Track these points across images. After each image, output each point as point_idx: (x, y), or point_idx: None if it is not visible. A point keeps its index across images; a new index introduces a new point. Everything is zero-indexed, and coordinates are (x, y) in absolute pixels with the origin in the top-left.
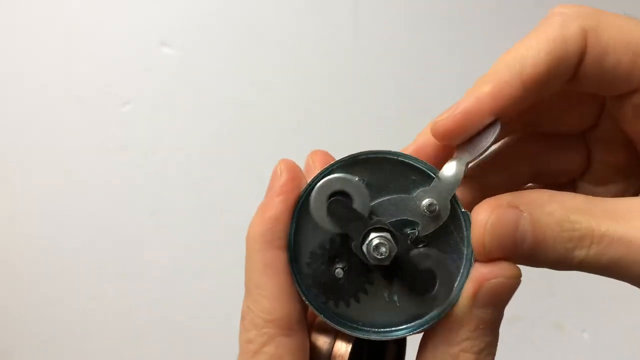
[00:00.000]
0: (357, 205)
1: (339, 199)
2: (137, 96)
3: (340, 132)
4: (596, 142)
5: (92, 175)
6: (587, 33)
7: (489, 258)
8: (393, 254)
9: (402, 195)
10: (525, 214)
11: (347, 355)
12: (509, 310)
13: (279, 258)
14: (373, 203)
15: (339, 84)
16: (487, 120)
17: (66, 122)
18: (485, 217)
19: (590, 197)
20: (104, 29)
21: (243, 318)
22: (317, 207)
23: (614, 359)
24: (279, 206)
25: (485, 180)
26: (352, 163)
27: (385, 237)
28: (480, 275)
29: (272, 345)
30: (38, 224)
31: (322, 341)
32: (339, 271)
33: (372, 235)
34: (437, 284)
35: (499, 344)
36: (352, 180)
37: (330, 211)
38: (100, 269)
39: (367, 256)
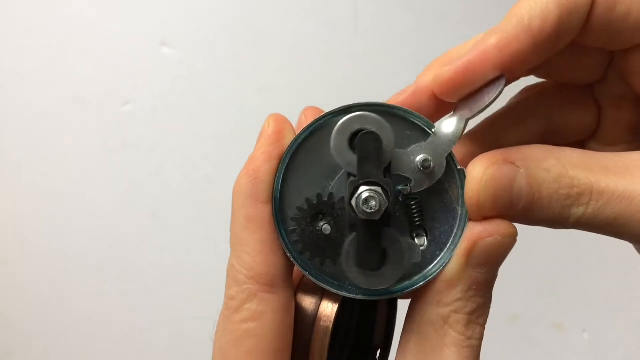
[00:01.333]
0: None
1: (376, 134)
2: (137, 96)
3: None
4: (605, 98)
5: (92, 175)
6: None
7: (483, 216)
8: (383, 208)
9: (396, 150)
10: (521, 170)
11: (333, 316)
12: (509, 309)
13: (263, 212)
14: None
15: (340, 84)
16: (492, 75)
17: (66, 122)
18: (480, 174)
19: (590, 152)
20: (104, 29)
21: (227, 276)
22: (342, 132)
23: (614, 359)
24: (262, 159)
25: (495, 138)
26: (345, 113)
27: (375, 191)
28: (474, 233)
29: (254, 302)
30: (38, 224)
31: (308, 302)
32: (326, 227)
33: (362, 188)
34: (427, 241)
35: (498, 343)
36: (382, 122)
37: (361, 143)
38: (100, 268)
39: (356, 210)
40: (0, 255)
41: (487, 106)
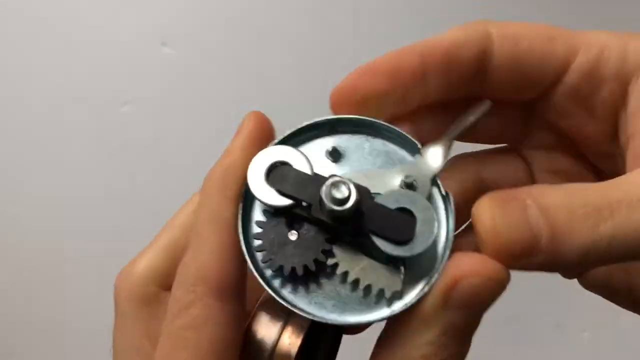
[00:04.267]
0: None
1: (281, 167)
2: (137, 96)
3: None
4: (533, 153)
5: (91, 174)
6: (489, 26)
7: (507, 263)
8: (354, 200)
9: (377, 168)
10: (529, 202)
11: (295, 349)
12: (508, 309)
13: (228, 210)
14: (343, 173)
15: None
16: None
17: (66, 122)
18: (490, 215)
19: (581, 183)
20: (104, 29)
21: (177, 274)
22: (258, 183)
23: (614, 359)
24: (238, 153)
25: None
26: (329, 128)
27: (345, 183)
28: (457, 269)
29: (198, 306)
30: (38, 224)
31: (265, 327)
32: (292, 232)
33: (331, 180)
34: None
35: (498, 343)
36: (287, 149)
37: (273, 180)
38: (101, 269)
39: (325, 202)
40: (0, 255)
41: (471, 126)
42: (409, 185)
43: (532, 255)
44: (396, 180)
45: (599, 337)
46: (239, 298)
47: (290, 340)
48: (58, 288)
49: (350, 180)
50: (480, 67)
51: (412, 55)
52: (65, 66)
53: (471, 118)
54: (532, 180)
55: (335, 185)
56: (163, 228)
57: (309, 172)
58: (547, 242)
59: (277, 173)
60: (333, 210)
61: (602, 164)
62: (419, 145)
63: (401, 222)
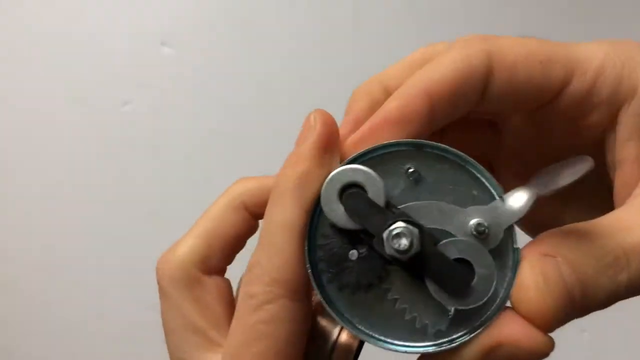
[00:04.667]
0: (372, 197)
1: (354, 191)
2: (137, 96)
3: None
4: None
5: (91, 174)
6: (491, 54)
7: (548, 326)
8: (414, 250)
9: (453, 205)
10: (558, 258)
11: (356, 342)
12: None
13: (302, 220)
14: (417, 202)
15: (340, 83)
16: (395, 135)
17: (66, 122)
18: (532, 275)
19: (592, 222)
20: (104, 29)
21: (249, 270)
22: (330, 201)
23: (614, 359)
24: (310, 162)
25: None
26: (416, 150)
27: (409, 230)
28: (503, 331)
29: (275, 304)
30: (38, 224)
31: (328, 325)
32: (353, 252)
33: (397, 224)
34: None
35: None
36: (365, 171)
37: (345, 201)
38: (100, 268)
39: (385, 246)
40: (0, 255)
41: (565, 186)
42: (480, 232)
43: (569, 315)
44: (469, 222)
45: (599, 337)
46: (308, 298)
47: (350, 335)
48: (58, 288)
49: (416, 226)
50: (481, 93)
51: (419, 98)
52: (66, 66)
53: (566, 179)
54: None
55: (397, 235)
56: (200, 218)
57: (381, 202)
58: (580, 299)
59: (350, 195)
60: (392, 254)
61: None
62: (502, 192)
63: (458, 275)
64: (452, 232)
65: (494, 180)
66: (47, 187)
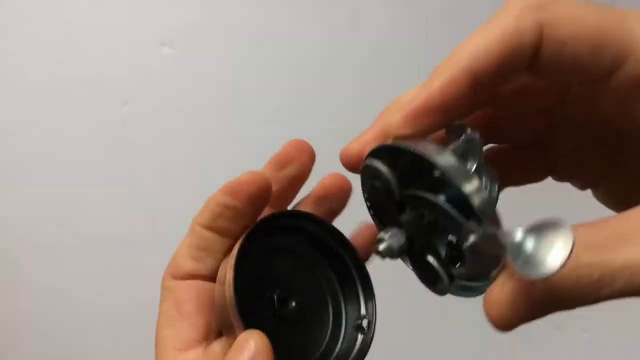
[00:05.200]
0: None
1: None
2: (137, 96)
3: (340, 131)
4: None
5: (91, 174)
6: (543, 27)
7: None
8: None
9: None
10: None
11: (232, 273)
12: None
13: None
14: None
15: (340, 83)
16: (439, 120)
17: (66, 122)
18: (500, 289)
19: (592, 225)
20: (104, 29)
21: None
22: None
23: (614, 359)
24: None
25: None
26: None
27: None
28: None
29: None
30: (38, 224)
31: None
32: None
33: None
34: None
35: (498, 343)
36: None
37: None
38: (100, 268)
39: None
40: (0, 255)
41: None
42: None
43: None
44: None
45: (599, 337)
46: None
47: (227, 266)
48: (57, 288)
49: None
50: (527, 67)
51: (463, 79)
52: (66, 66)
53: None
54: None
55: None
56: None
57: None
58: (547, 309)
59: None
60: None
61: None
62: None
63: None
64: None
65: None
66: (47, 187)
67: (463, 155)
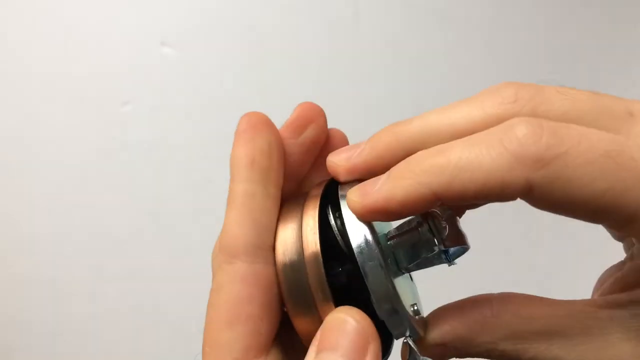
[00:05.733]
0: None
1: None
2: (137, 96)
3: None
4: None
5: (91, 174)
6: (533, 187)
7: None
8: None
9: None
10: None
11: (317, 237)
12: None
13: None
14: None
15: (340, 83)
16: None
17: (66, 122)
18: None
19: (524, 304)
20: (104, 29)
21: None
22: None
23: None
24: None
25: None
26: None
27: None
28: None
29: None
30: (38, 224)
31: (288, 233)
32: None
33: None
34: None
35: None
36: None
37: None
38: (100, 268)
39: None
40: (0, 255)
41: None
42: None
43: None
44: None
45: None
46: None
47: (310, 225)
48: (57, 287)
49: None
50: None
51: (427, 199)
52: (65, 66)
53: None
54: None
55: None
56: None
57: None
58: None
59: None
60: None
61: None
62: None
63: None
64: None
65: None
66: (47, 187)
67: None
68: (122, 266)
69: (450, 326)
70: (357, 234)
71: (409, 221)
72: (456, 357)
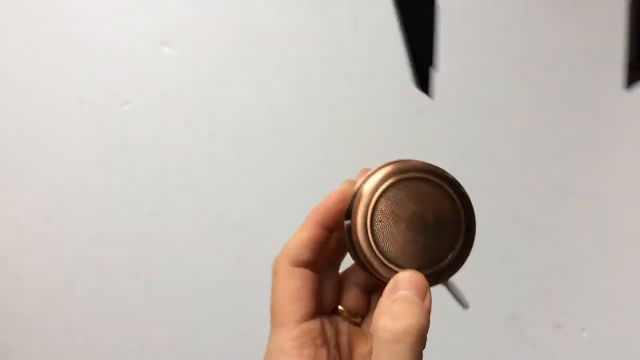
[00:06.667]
0: None
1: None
2: (137, 96)
3: (340, 131)
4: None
5: (91, 174)
6: None
7: None
8: None
9: None
10: None
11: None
12: (507, 309)
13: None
14: None
15: (340, 83)
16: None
17: (66, 122)
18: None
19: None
20: (104, 29)
21: None
22: None
23: (613, 358)
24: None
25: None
26: None
27: None
28: None
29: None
30: (38, 224)
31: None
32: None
33: None
34: None
35: (497, 343)
36: None
37: None
38: (100, 268)
39: None
40: (1, 255)
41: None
42: None
43: None
44: None
45: (599, 337)
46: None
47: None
48: (57, 287)
49: None
50: None
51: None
52: (66, 66)
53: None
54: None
55: None
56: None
57: None
58: None
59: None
60: None
61: None
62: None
63: None
64: None
65: None
66: (47, 187)
67: None
68: (122, 266)
69: None
70: None
71: None
72: None
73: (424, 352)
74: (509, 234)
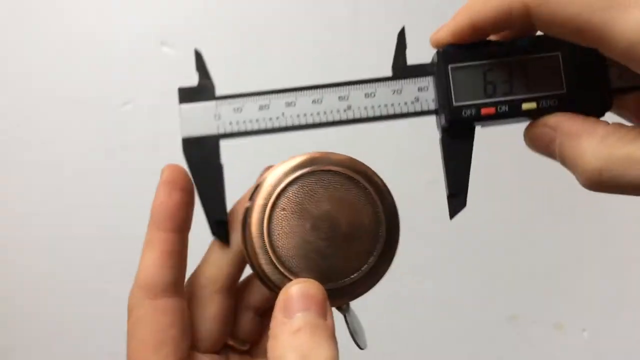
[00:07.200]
0: None
1: None
2: (137, 96)
3: (340, 131)
4: None
5: (91, 174)
6: (529, 7)
7: None
8: None
9: None
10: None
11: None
12: (507, 309)
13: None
14: None
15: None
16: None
17: (66, 122)
18: None
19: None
20: (104, 29)
21: None
22: None
23: (614, 359)
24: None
25: None
26: None
27: None
28: None
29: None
30: (38, 224)
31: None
32: None
33: None
34: None
35: (497, 343)
36: None
37: None
38: (101, 268)
39: None
40: (1, 255)
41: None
42: None
43: None
44: None
45: (599, 337)
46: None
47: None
48: (57, 287)
49: None
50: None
51: (465, 29)
52: (65, 66)
53: None
54: None
55: None
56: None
57: None
58: None
59: None
60: None
61: None
62: None
63: None
64: None
65: None
66: (47, 187)
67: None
68: (123, 266)
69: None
70: None
71: None
72: None
73: (423, 351)
74: (509, 234)
